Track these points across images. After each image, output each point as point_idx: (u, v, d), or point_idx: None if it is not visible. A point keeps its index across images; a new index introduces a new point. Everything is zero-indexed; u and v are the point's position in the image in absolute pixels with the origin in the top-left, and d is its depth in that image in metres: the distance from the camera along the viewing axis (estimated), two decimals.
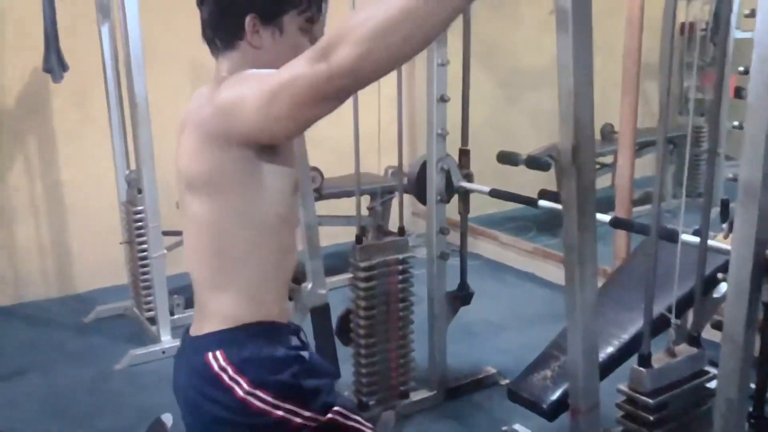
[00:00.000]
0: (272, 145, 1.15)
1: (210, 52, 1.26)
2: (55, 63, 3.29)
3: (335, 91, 0.98)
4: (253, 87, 1.07)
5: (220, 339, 1.20)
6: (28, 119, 3.97)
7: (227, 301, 1.21)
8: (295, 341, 1.28)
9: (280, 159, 1.17)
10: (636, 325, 2.41)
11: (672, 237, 1.83)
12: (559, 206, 2.40)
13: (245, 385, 1.17)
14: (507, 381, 2.96)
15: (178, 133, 1.25)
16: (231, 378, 1.18)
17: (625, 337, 2.41)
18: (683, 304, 2.23)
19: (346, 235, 4.36)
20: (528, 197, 2.56)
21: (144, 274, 3.54)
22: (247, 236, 1.19)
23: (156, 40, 3.58)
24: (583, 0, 1.21)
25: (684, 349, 1.77)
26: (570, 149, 1.31)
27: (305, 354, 1.26)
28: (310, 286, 2.64)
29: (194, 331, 1.27)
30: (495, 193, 2.60)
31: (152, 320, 3.54)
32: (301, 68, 0.99)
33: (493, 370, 3.09)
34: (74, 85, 3.84)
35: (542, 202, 2.43)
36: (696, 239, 1.78)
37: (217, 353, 1.19)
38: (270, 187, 1.16)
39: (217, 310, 1.22)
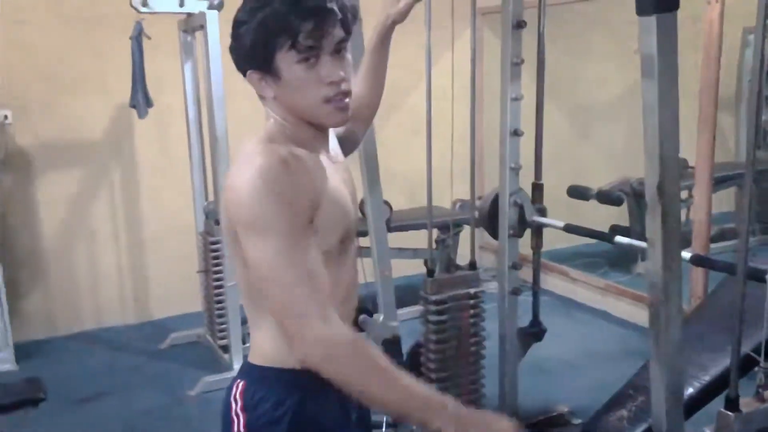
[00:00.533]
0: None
1: None
2: (140, 99, 3.46)
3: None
4: (260, 245, 1.10)
5: (250, 371, 1.25)
6: (112, 152, 4.18)
7: (262, 338, 1.24)
8: (318, 401, 1.24)
9: (322, 225, 1.17)
10: (719, 366, 2.33)
11: (759, 276, 1.77)
12: (636, 242, 2.36)
13: (242, 425, 1.21)
14: (580, 421, 2.89)
15: None
16: (236, 412, 1.22)
17: (707, 378, 2.33)
18: None
19: (411, 267, 4.38)
20: (603, 233, 2.52)
21: (218, 302, 3.64)
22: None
23: (236, 77, 3.71)
24: (668, 45, 1.21)
25: None
26: (655, 187, 1.30)
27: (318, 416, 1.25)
28: (381, 317, 2.66)
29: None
30: (569, 229, 2.56)
31: (225, 348, 3.62)
32: (299, 333, 1.09)
33: (565, 409, 3.02)
34: (157, 120, 4.03)
35: (618, 238, 2.39)
36: None
37: (240, 384, 1.25)
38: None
39: (256, 345, 1.26)
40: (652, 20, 1.23)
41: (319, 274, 1.10)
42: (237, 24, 1.15)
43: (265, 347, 1.23)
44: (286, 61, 1.12)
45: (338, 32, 1.14)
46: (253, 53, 1.13)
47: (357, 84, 1.47)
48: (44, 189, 4.04)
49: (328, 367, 1.07)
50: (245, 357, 1.31)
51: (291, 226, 1.08)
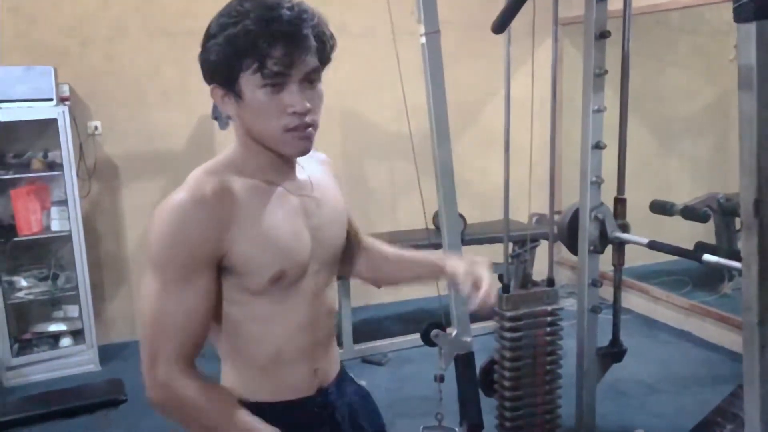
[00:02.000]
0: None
1: None
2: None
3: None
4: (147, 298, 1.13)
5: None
6: (194, 162, 4.22)
7: (226, 371, 1.24)
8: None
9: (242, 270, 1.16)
10: None
11: None
12: (726, 261, 2.25)
13: None
14: None
15: None
16: None
17: None
18: None
19: None
20: (691, 251, 2.42)
21: None
22: (221, 310, 1.19)
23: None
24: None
25: None
26: (752, 204, 1.23)
27: None
28: (454, 332, 2.62)
29: None
30: (654, 246, 2.46)
31: None
32: (146, 361, 1.15)
33: None
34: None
35: (707, 257, 2.28)
36: None
37: None
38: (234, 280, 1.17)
39: (223, 379, 1.25)
40: (751, 27, 1.17)
41: (195, 320, 1.11)
42: (207, 36, 1.11)
43: (229, 380, 1.23)
44: (250, 83, 1.07)
45: (311, 60, 1.08)
46: (218, 69, 1.09)
47: (382, 258, 1.49)
48: (129, 197, 4.20)
49: (161, 409, 1.14)
50: None
51: (179, 269, 1.09)
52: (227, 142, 4.05)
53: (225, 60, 1.07)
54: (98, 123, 4.06)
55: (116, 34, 4.03)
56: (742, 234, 1.27)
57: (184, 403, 1.12)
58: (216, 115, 3.54)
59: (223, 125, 3.57)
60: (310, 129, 1.12)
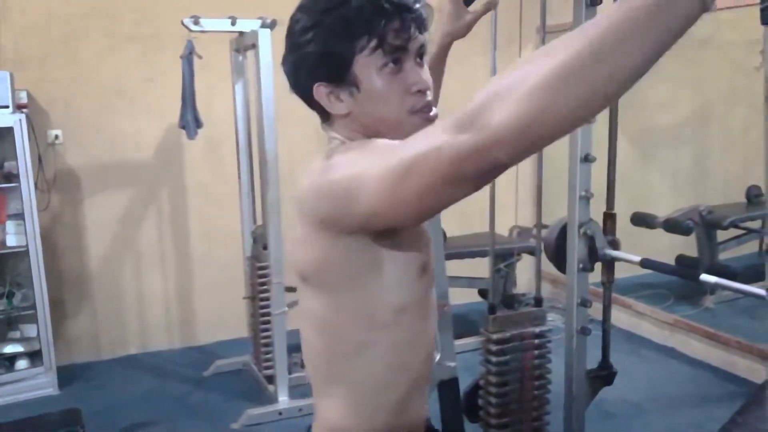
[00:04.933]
0: (393, 229, 0.96)
1: None
2: (190, 120, 3.37)
3: (482, 168, 0.75)
4: (372, 164, 0.87)
5: None
6: (162, 173, 4.11)
7: (334, 408, 1.07)
8: None
9: (402, 244, 0.99)
10: None
11: None
12: (727, 282, 2.13)
13: None
14: None
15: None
16: None
17: None
18: None
19: (463, 295, 4.18)
20: (688, 271, 2.30)
21: (264, 330, 3.50)
22: (355, 334, 1.02)
23: (287, 98, 3.61)
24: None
25: None
26: None
27: None
28: (438, 357, 2.48)
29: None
30: (648, 264, 2.34)
31: (270, 378, 3.48)
32: (436, 139, 0.77)
33: None
34: (206, 142, 3.95)
35: (705, 277, 2.16)
36: None
37: None
38: (388, 277, 0.99)
39: (325, 418, 1.09)
40: None
41: None
42: (300, 31, 0.98)
43: (333, 417, 1.07)
44: (368, 66, 0.97)
45: (421, 37, 1.00)
46: (324, 61, 0.97)
47: None
48: (93, 209, 3.99)
49: (550, 109, 0.69)
50: (308, 428, 1.15)
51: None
52: (196, 151, 3.83)
53: (335, 46, 0.96)
54: (59, 132, 3.85)
55: (79, 39, 3.83)
56: (767, 260, 1.14)
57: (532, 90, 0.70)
58: (183, 123, 3.36)
59: (192, 134, 3.39)
60: (433, 112, 1.02)
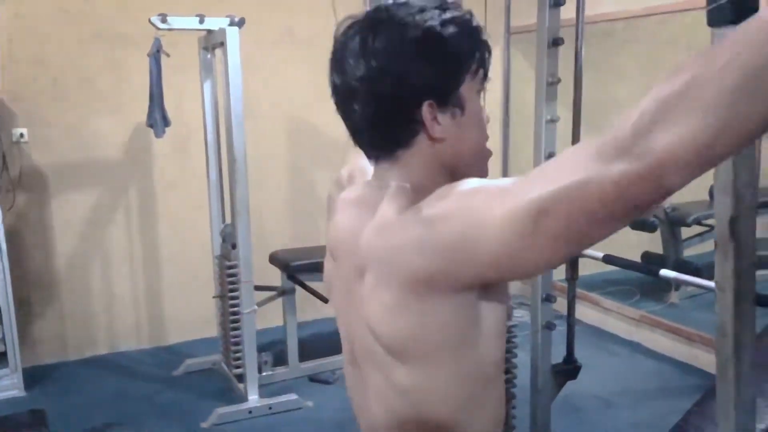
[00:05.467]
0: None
1: (367, 157, 0.99)
2: (158, 118, 3.35)
3: (647, 200, 0.66)
4: (490, 207, 0.77)
5: None
6: (130, 172, 4.08)
7: None
8: None
9: (500, 293, 0.89)
10: None
11: None
12: (685, 277, 2.18)
13: None
14: None
15: (337, 267, 1.01)
16: None
17: (762, 427, 2.13)
18: None
19: None
20: (647, 266, 2.35)
21: (234, 329, 3.49)
22: (458, 399, 0.91)
23: (256, 97, 3.63)
24: None
25: None
26: (728, 222, 1.14)
27: None
28: None
29: None
30: (610, 260, 2.39)
31: (240, 377, 3.47)
32: (580, 171, 0.67)
33: None
34: (175, 140, 3.93)
35: (664, 272, 2.21)
36: None
37: None
38: (487, 331, 0.88)
39: None
40: (727, 32, 1.07)
41: None
42: (423, 37, 0.88)
43: None
44: (470, 89, 0.91)
45: None
46: (440, 77, 0.88)
47: None
48: (59, 209, 3.95)
49: (729, 126, 0.60)
50: None
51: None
52: (165, 150, 3.80)
53: (453, 60, 0.90)
54: (24, 130, 3.80)
55: (45, 36, 3.78)
56: (716, 255, 1.18)
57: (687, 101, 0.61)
58: (151, 122, 3.34)
59: (159, 133, 3.37)
60: None
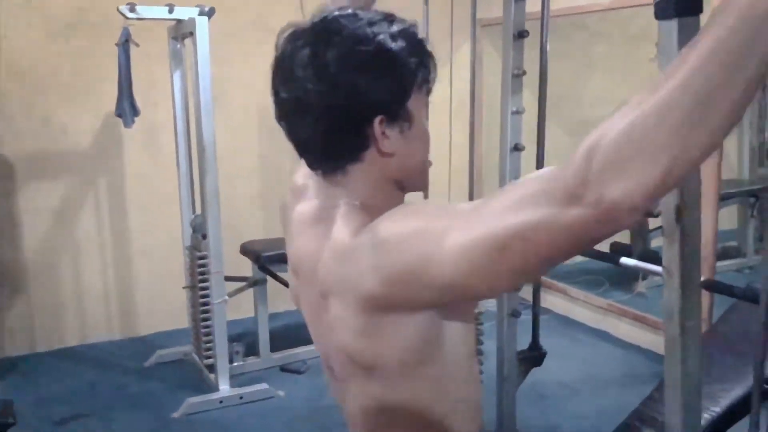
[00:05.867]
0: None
1: (311, 170, 0.99)
2: (126, 108, 3.33)
3: (600, 239, 0.68)
4: (444, 230, 0.78)
5: None
6: (99, 162, 4.05)
7: None
8: None
9: (465, 313, 0.94)
10: (728, 398, 2.21)
11: None
12: (644, 265, 2.24)
13: None
14: None
15: (301, 284, 1.03)
16: None
17: (717, 410, 2.20)
18: None
19: None
20: (608, 254, 2.41)
21: (205, 320, 3.50)
22: (437, 402, 0.95)
23: (225, 87, 3.62)
24: None
25: None
26: (674, 209, 1.18)
27: None
28: None
29: None
30: None
31: (211, 368, 3.48)
32: (536, 213, 0.69)
33: None
34: (145, 130, 3.91)
35: (624, 260, 2.27)
36: None
37: None
38: (455, 339, 0.91)
39: None
40: (672, 25, 1.11)
41: None
42: (374, 52, 0.87)
43: None
44: (417, 102, 0.91)
45: None
46: (390, 91, 0.88)
47: None
48: (27, 200, 3.91)
49: (675, 169, 0.61)
50: None
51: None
52: (135, 140, 3.79)
53: (404, 73, 0.89)
54: None
55: (13, 25, 3.74)
56: (663, 240, 1.23)
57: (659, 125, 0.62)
58: (119, 112, 3.32)
59: (128, 123, 3.35)
60: None
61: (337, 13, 0.91)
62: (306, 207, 1.02)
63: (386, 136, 0.90)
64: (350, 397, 1.01)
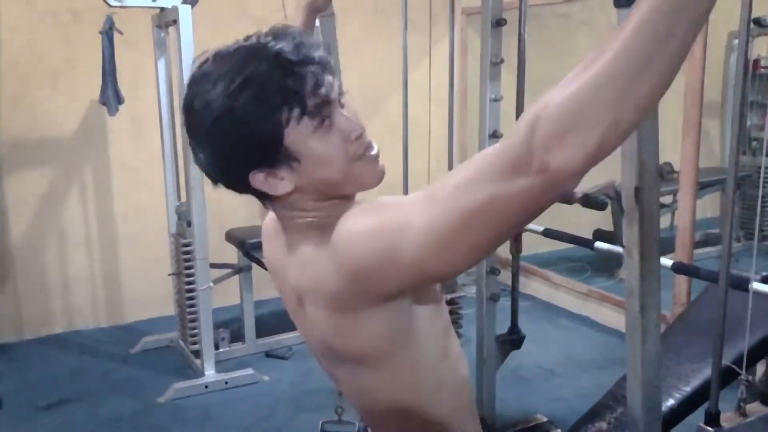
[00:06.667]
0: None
1: None
2: (111, 96, 3.35)
3: (547, 205, 0.73)
4: (405, 216, 0.80)
5: None
6: (84, 150, 4.06)
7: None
8: None
9: (432, 294, 0.97)
10: (699, 378, 2.27)
11: (743, 285, 1.70)
12: (616, 248, 2.29)
13: None
14: (559, 431, 2.81)
15: (278, 282, 1.06)
16: None
17: (687, 390, 2.26)
18: (753, 358, 2.09)
19: None
20: (583, 238, 2.45)
21: (190, 306, 3.53)
22: (423, 385, 0.99)
23: None
24: None
25: (756, 408, 1.63)
26: (633, 191, 1.23)
27: None
28: None
29: None
30: (548, 233, 2.49)
31: (197, 353, 3.52)
32: (486, 189, 0.72)
33: (544, 419, 2.94)
34: (130, 118, 3.93)
35: (598, 244, 2.32)
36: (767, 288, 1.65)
37: None
38: (428, 323, 0.95)
39: None
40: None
41: None
42: (214, 120, 0.85)
43: None
44: (301, 135, 0.86)
45: (334, 80, 0.90)
46: (252, 148, 0.86)
47: None
48: (12, 187, 3.92)
49: (614, 131, 0.66)
50: None
51: None
52: (120, 128, 3.81)
53: (258, 128, 0.85)
54: None
55: None
56: (623, 221, 1.27)
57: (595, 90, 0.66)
58: (104, 99, 3.33)
59: (113, 111, 3.37)
60: (375, 147, 0.94)
61: (201, 66, 0.90)
62: (269, 219, 1.07)
63: (279, 178, 0.89)
64: (343, 384, 1.06)
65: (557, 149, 0.66)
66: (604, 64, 0.65)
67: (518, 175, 0.69)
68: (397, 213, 0.82)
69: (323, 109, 0.87)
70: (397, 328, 0.91)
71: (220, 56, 0.88)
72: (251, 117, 0.84)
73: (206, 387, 3.36)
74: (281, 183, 0.89)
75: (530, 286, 4.62)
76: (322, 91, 0.87)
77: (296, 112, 0.85)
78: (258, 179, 0.89)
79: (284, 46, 0.86)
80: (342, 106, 0.91)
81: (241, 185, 0.91)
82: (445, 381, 1.01)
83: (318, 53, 0.89)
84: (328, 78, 0.89)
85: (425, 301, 0.94)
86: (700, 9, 0.64)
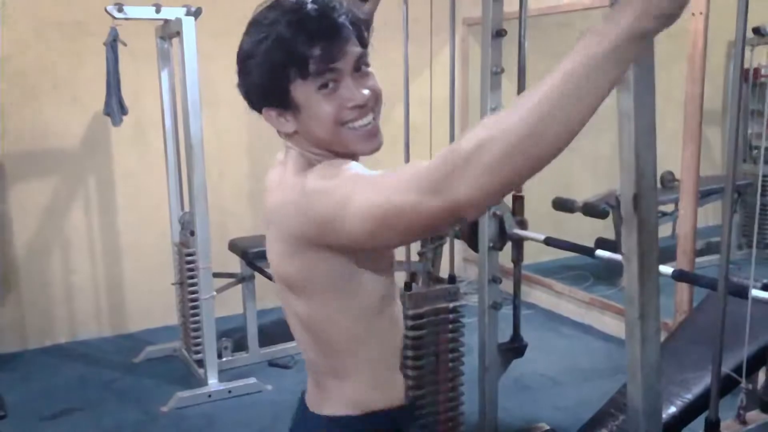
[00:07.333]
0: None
1: None
2: (115, 107, 3.38)
3: (451, 223, 0.91)
4: (353, 193, 0.93)
5: (342, 425, 1.14)
6: (88, 160, 4.09)
7: (347, 387, 1.14)
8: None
9: (378, 260, 1.09)
10: (700, 385, 2.27)
11: (742, 292, 1.71)
12: (616, 256, 2.30)
13: None
14: None
15: (264, 222, 1.16)
16: None
17: (689, 397, 2.26)
18: (753, 365, 2.09)
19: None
20: (584, 247, 2.46)
21: (194, 315, 3.55)
22: (349, 330, 1.10)
23: (213, 85, 3.66)
24: (644, 51, 1.14)
25: (756, 417, 1.64)
26: (631, 199, 1.24)
27: None
28: None
29: (314, 406, 1.19)
30: (550, 242, 2.50)
31: (200, 362, 3.53)
32: (409, 197, 0.84)
33: (546, 427, 2.95)
34: (133, 128, 3.96)
35: (599, 252, 2.33)
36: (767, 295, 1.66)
37: None
38: (367, 281, 1.08)
39: (339, 395, 1.14)
40: None
41: None
42: (243, 58, 1.05)
43: (358, 394, 1.13)
44: (305, 91, 1.02)
45: (353, 49, 1.03)
46: (266, 88, 1.04)
47: None
48: (17, 197, 3.95)
49: (501, 183, 0.78)
50: (303, 395, 1.21)
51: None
52: (123, 138, 3.83)
53: (270, 76, 1.02)
54: None
55: (1, 23, 3.77)
56: (622, 229, 1.29)
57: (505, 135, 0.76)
58: (108, 111, 3.36)
59: (117, 121, 3.39)
60: (372, 119, 1.06)
61: (260, 10, 1.06)
62: (270, 172, 1.17)
63: (285, 119, 1.06)
64: (287, 311, 1.15)
65: (464, 186, 0.77)
66: (515, 121, 0.74)
67: (433, 194, 0.80)
68: (349, 185, 0.94)
69: (327, 74, 1.01)
70: (337, 276, 1.04)
71: (269, 7, 1.04)
72: (265, 70, 1.02)
73: (209, 396, 3.37)
74: (287, 123, 1.06)
75: (532, 294, 4.62)
76: (327, 57, 1.00)
77: (301, 72, 1.00)
78: (270, 115, 1.07)
79: (307, 9, 1.00)
80: (360, 72, 1.04)
81: (263, 116, 1.09)
82: (371, 332, 1.12)
83: (341, 19, 1.01)
84: (342, 46, 1.01)
85: (368, 266, 1.06)
86: (599, 89, 0.76)
